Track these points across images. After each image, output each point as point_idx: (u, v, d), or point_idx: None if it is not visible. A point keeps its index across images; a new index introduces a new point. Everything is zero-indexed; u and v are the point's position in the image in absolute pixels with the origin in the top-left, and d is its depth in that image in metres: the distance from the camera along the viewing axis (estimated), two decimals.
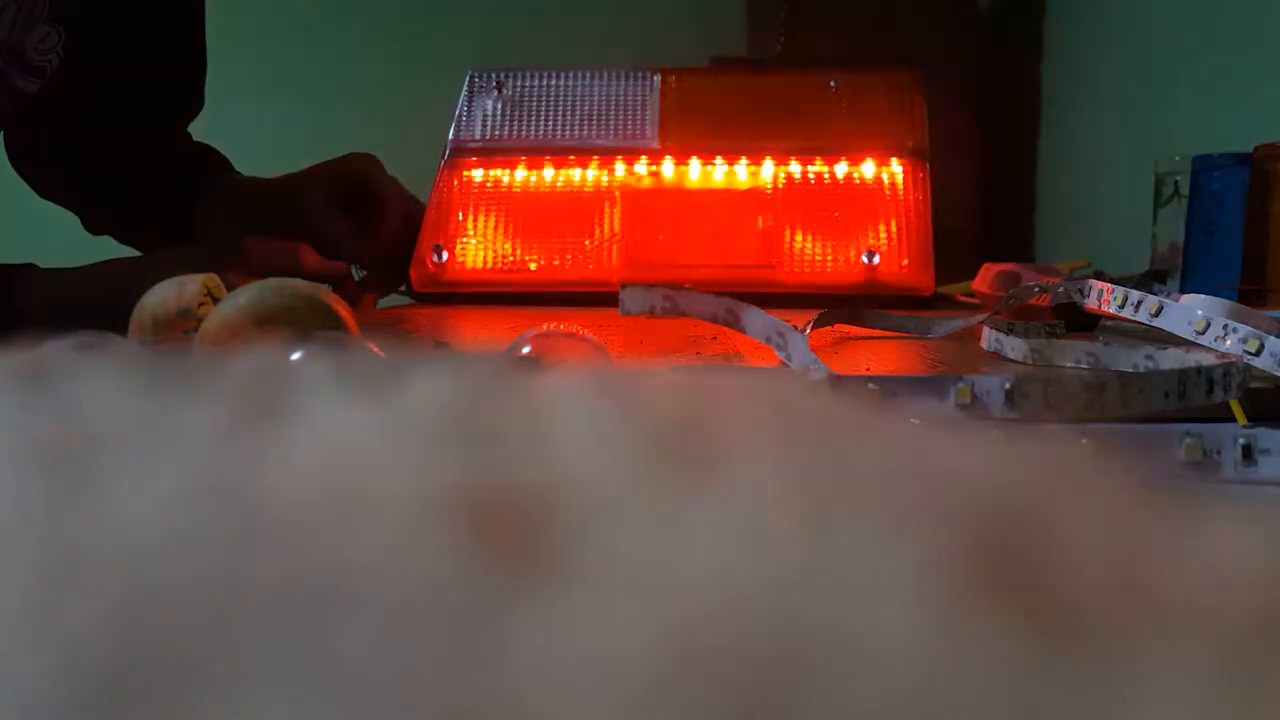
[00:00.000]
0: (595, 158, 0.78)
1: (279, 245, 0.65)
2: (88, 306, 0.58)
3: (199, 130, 0.87)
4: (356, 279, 0.73)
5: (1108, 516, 0.08)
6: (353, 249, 0.72)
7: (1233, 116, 1.49)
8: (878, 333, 0.55)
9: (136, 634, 0.07)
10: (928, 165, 0.78)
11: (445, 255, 0.77)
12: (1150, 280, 0.90)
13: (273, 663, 0.06)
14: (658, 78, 0.79)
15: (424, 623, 0.07)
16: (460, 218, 0.78)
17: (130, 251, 0.82)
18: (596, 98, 0.79)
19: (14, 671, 0.06)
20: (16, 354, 0.11)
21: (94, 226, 0.86)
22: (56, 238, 0.90)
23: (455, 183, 0.78)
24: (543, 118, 0.79)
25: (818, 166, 0.77)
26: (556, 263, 0.77)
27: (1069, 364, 0.41)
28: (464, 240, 0.77)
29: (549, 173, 0.78)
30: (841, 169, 0.77)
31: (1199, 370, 0.32)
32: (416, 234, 0.76)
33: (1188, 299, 0.40)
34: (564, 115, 0.79)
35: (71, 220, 0.87)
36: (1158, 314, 0.39)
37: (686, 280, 0.67)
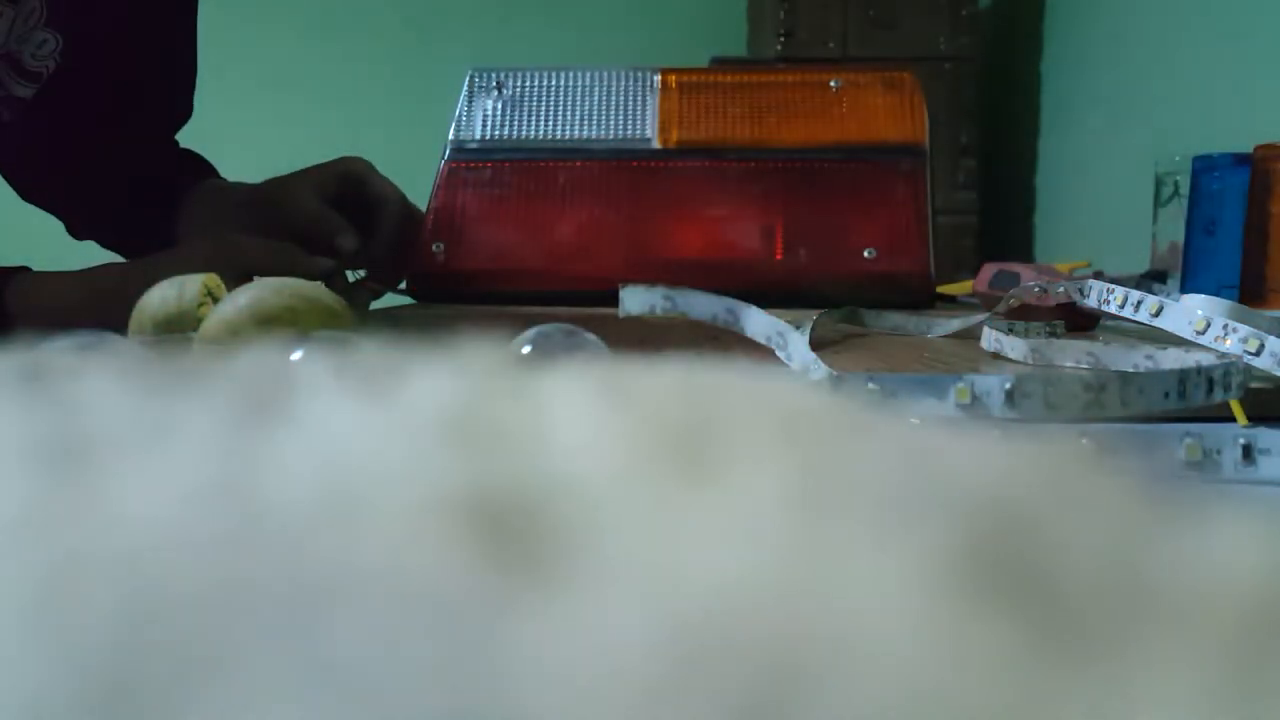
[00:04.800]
0: (595, 157, 0.78)
1: (278, 244, 0.64)
2: (82, 310, 0.58)
3: (200, 128, 0.87)
4: (352, 280, 0.73)
5: (1107, 516, 0.08)
6: (346, 247, 0.72)
7: (1233, 116, 1.49)
8: (878, 333, 0.55)
9: (137, 634, 0.07)
10: (927, 165, 0.78)
11: (445, 255, 0.77)
12: (1150, 280, 0.90)
13: (274, 663, 0.06)
14: (658, 77, 0.79)
15: (425, 623, 0.07)
16: (460, 217, 0.78)
17: (114, 256, 0.82)
18: (596, 97, 0.79)
19: (15, 672, 0.06)
20: (16, 354, 0.11)
21: (79, 232, 0.86)
22: (53, 242, 0.90)
23: (455, 182, 0.78)
24: (543, 117, 0.79)
25: (817, 166, 0.77)
26: (556, 262, 0.77)
27: (1069, 364, 0.41)
28: (464, 240, 0.77)
29: (549, 172, 0.78)
30: (841, 169, 0.77)
31: (1199, 370, 0.32)
32: (412, 233, 0.76)
33: (1188, 299, 0.40)
34: (564, 115, 0.79)
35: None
36: (1158, 314, 0.39)
37: (687, 278, 0.67)
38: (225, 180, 0.84)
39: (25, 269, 0.63)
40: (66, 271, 0.64)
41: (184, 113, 0.85)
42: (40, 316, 0.59)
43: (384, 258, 0.75)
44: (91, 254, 0.79)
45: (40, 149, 0.81)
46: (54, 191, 0.85)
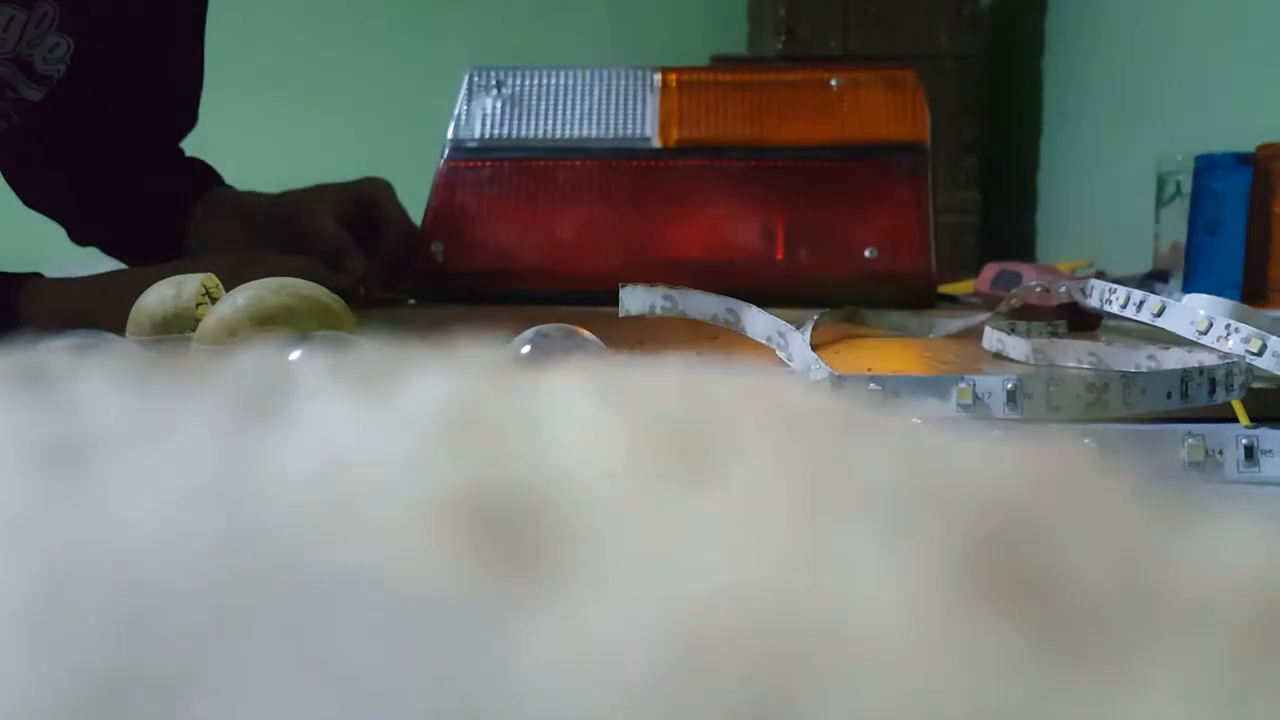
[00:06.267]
0: (595, 157, 0.77)
1: (303, 261, 0.65)
2: (96, 316, 0.57)
3: (199, 128, 0.87)
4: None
5: (1110, 517, 0.08)
6: (354, 267, 0.72)
7: (1235, 116, 1.49)
8: (879, 332, 0.55)
9: (135, 635, 0.07)
10: (928, 164, 0.78)
11: (445, 255, 0.77)
12: (1152, 280, 0.90)
13: (271, 664, 0.06)
14: (657, 76, 0.79)
15: (423, 624, 0.07)
16: (460, 217, 0.78)
17: (117, 264, 0.82)
18: (596, 96, 0.79)
19: (13, 672, 0.06)
20: (14, 354, 0.11)
21: (80, 237, 0.86)
22: (61, 247, 0.90)
23: (454, 182, 0.78)
24: (542, 116, 0.79)
25: (818, 165, 0.77)
26: (556, 262, 0.77)
27: (1071, 364, 0.41)
28: (463, 240, 0.77)
29: (548, 172, 0.78)
30: (842, 168, 0.77)
31: (1201, 370, 0.32)
32: (409, 259, 0.77)
33: (1190, 299, 0.40)
34: (563, 114, 0.79)
35: None
36: (1160, 314, 0.39)
37: (687, 278, 0.67)
38: (233, 188, 0.84)
39: (38, 275, 0.64)
40: (80, 277, 0.64)
41: (189, 121, 0.86)
42: (54, 321, 0.59)
43: (379, 278, 0.75)
44: (95, 262, 0.79)
45: (47, 152, 0.81)
46: (58, 195, 0.85)
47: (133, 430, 0.09)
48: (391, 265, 0.76)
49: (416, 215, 0.80)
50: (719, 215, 0.78)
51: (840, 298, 0.60)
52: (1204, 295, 0.41)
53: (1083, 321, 0.53)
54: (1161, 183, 1.10)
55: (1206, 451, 0.30)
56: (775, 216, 0.77)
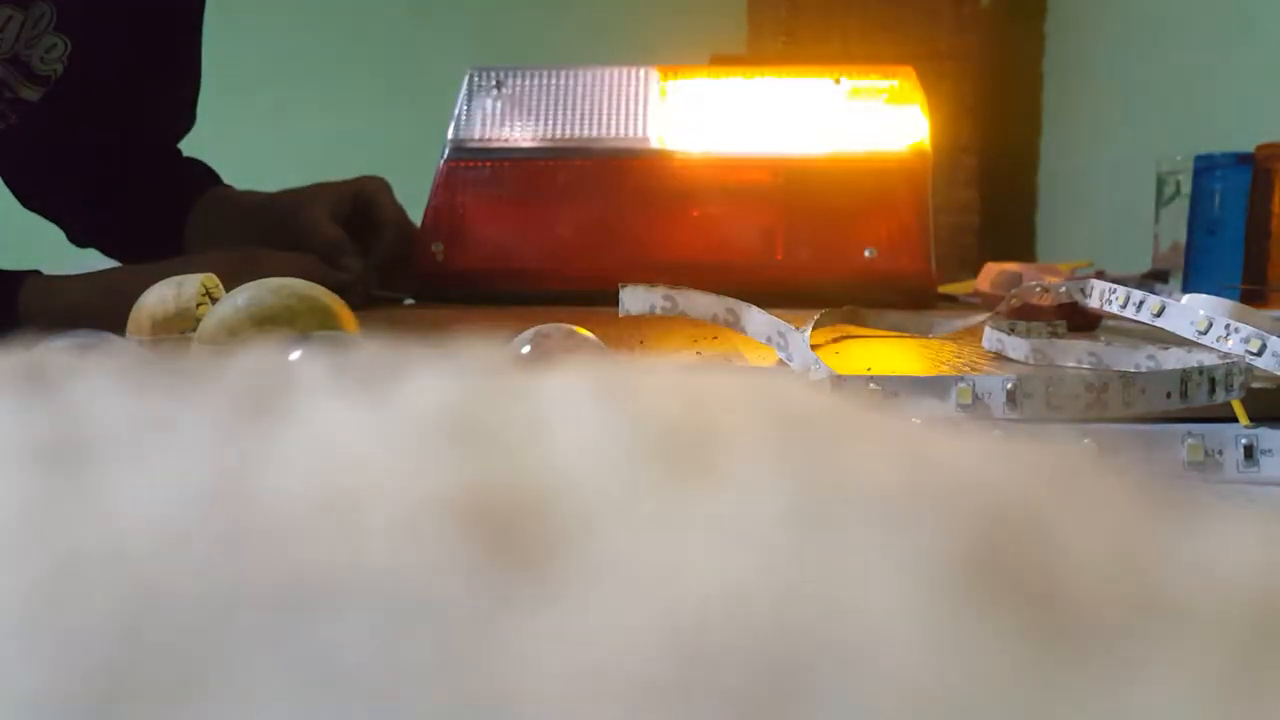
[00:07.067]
0: (595, 157, 0.77)
1: (300, 257, 0.65)
2: (95, 313, 0.57)
3: (197, 126, 0.87)
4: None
5: (1110, 517, 0.08)
6: (351, 265, 0.72)
7: (1234, 115, 1.49)
8: (879, 332, 0.55)
9: (135, 635, 0.07)
10: (928, 163, 0.78)
11: (445, 255, 0.77)
12: (1152, 280, 0.90)
13: (272, 663, 0.06)
14: (657, 75, 0.79)
15: (424, 623, 0.07)
16: (460, 217, 0.78)
17: (116, 263, 0.82)
18: (596, 96, 0.79)
19: (13, 671, 0.06)
20: (14, 354, 0.11)
21: (79, 238, 0.86)
22: (61, 247, 0.90)
23: (455, 182, 0.78)
24: (542, 116, 0.79)
25: (818, 164, 0.77)
26: (556, 262, 0.77)
27: (1071, 364, 0.41)
28: (464, 240, 0.77)
29: (549, 172, 0.78)
30: (842, 167, 0.77)
31: (1201, 370, 0.32)
32: (408, 257, 0.77)
33: (1190, 299, 0.40)
34: (564, 113, 0.79)
35: None
36: (1160, 314, 0.39)
37: (687, 278, 0.67)
38: (232, 188, 0.84)
39: (37, 272, 0.64)
40: (79, 274, 0.64)
41: (187, 122, 0.86)
42: (53, 319, 0.59)
43: (377, 277, 0.75)
44: (92, 262, 0.79)
45: (45, 152, 0.81)
46: (56, 196, 0.85)
47: (133, 430, 0.09)
48: (390, 264, 0.76)
49: (416, 215, 0.80)
50: (719, 215, 0.78)
51: (840, 298, 0.60)
52: (1204, 295, 0.41)
53: (1082, 321, 0.53)
54: (1161, 183, 1.10)
55: (1206, 451, 0.30)
56: (775, 217, 0.77)
